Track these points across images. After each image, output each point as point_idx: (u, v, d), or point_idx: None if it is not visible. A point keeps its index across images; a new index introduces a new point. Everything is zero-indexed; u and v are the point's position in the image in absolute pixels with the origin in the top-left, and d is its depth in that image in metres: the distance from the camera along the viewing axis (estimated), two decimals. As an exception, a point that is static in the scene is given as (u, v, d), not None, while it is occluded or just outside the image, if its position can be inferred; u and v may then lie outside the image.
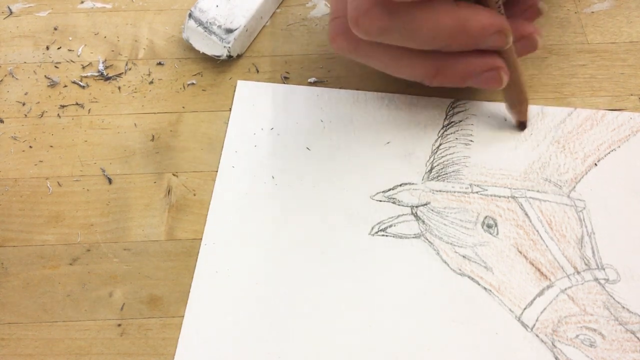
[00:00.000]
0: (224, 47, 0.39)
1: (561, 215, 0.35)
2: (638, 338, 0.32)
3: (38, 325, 0.33)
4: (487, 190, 0.36)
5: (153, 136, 0.38)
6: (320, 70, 0.40)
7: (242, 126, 0.38)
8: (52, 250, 0.35)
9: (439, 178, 0.36)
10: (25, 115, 0.39)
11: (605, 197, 0.35)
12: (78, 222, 0.36)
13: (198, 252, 0.35)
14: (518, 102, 0.36)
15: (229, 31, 0.40)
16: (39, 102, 0.40)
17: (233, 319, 0.33)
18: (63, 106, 0.40)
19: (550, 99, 0.38)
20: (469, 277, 0.33)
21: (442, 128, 0.38)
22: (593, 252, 0.34)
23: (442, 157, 0.37)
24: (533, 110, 0.38)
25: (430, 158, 0.37)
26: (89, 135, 0.39)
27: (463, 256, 0.34)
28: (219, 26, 0.40)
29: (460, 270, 0.34)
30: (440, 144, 0.37)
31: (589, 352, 0.31)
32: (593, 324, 0.32)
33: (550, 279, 0.33)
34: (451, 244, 0.34)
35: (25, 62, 0.41)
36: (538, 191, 0.36)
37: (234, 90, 0.40)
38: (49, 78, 0.41)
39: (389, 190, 0.36)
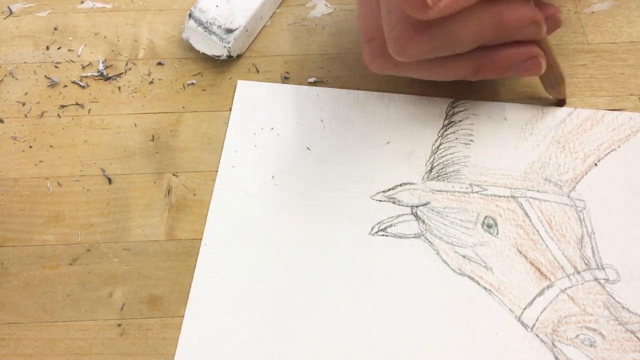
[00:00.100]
0: (224, 47, 0.39)
1: (561, 215, 0.35)
2: (638, 338, 0.32)
3: (38, 325, 0.33)
4: (487, 190, 0.36)
5: (153, 136, 0.38)
6: (320, 70, 0.40)
7: (242, 126, 0.38)
8: (52, 250, 0.35)
9: (439, 178, 0.36)
10: (25, 115, 0.39)
11: (605, 197, 0.35)
12: (78, 222, 0.36)
13: (198, 252, 0.35)
14: (557, 83, 0.37)
15: (229, 31, 0.40)
16: (39, 102, 0.40)
17: (233, 319, 0.33)
18: (63, 106, 0.40)
19: (551, 99, 0.38)
20: (469, 277, 0.33)
21: (442, 128, 0.38)
22: (593, 252, 0.34)
23: (442, 157, 0.37)
24: (533, 110, 0.38)
25: (430, 158, 0.37)
26: (89, 135, 0.39)
27: (463, 256, 0.34)
28: (219, 26, 0.40)
29: (460, 270, 0.34)
30: (440, 144, 0.37)
31: (589, 352, 0.31)
32: (593, 324, 0.32)
33: (550, 279, 0.33)
34: (451, 243, 0.34)
35: (25, 62, 0.41)
36: (538, 191, 0.36)
37: (234, 90, 0.40)
38: (49, 78, 0.41)
39: (389, 190, 0.36)
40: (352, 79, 0.40)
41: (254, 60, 0.41)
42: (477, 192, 0.36)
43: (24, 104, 0.40)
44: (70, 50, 0.42)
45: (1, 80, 0.41)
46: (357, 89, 0.39)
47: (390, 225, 0.35)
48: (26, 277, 0.34)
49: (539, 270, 0.33)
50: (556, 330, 0.32)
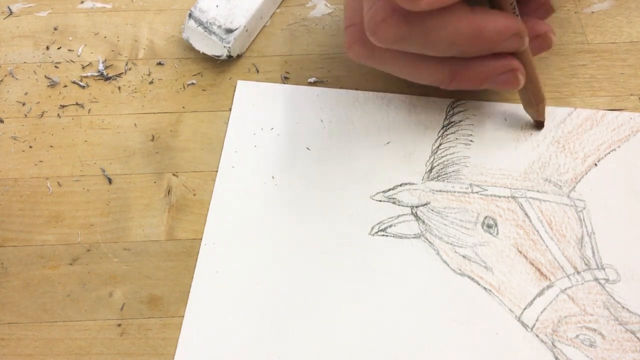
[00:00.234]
0: (224, 47, 0.39)
1: (561, 215, 0.35)
2: (638, 338, 0.32)
3: (38, 325, 0.33)
4: (487, 190, 0.36)
5: (153, 136, 0.38)
6: (320, 70, 0.40)
7: (242, 126, 0.38)
8: (52, 250, 0.35)
9: (439, 178, 0.36)
10: (25, 115, 0.39)
11: (605, 197, 0.35)
12: (78, 222, 0.36)
13: (198, 252, 0.35)
14: (535, 102, 0.36)
15: (229, 31, 0.40)
16: (39, 102, 0.40)
17: (233, 319, 0.33)
18: (63, 106, 0.40)
19: (550, 99, 0.38)
20: (469, 277, 0.33)
21: (442, 128, 0.38)
22: (593, 252, 0.34)
23: (442, 157, 0.37)
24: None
25: (430, 158, 0.37)
26: (89, 135, 0.39)
27: (463, 256, 0.34)
28: (219, 26, 0.40)
29: (460, 270, 0.34)
30: (440, 144, 0.37)
31: (589, 352, 0.31)
32: (593, 324, 0.32)
33: (550, 279, 0.33)
34: (451, 244, 0.34)
35: (25, 62, 0.41)
36: (538, 191, 0.36)
37: (234, 90, 0.40)
38: (49, 78, 0.41)
39: (389, 190, 0.36)
40: (352, 79, 0.40)
41: (254, 60, 0.41)
42: (477, 192, 0.36)
43: (24, 104, 0.40)
44: (70, 50, 0.42)
45: (1, 80, 0.41)
46: (357, 89, 0.39)
47: (390, 226, 0.35)
48: (26, 277, 0.34)
49: (539, 270, 0.33)
50: (556, 331, 0.32)
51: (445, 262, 0.34)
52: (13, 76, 0.41)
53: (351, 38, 0.34)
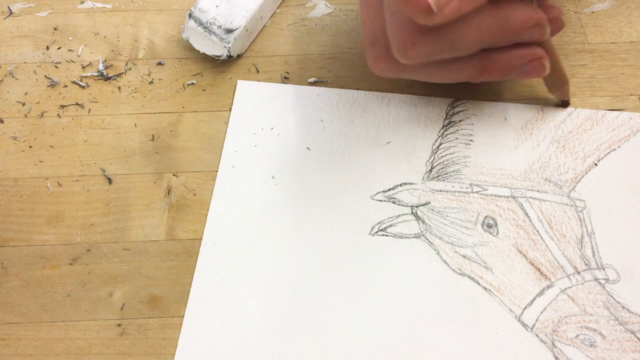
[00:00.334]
0: (224, 47, 0.39)
1: (561, 215, 0.35)
2: (638, 338, 0.32)
3: (38, 325, 0.33)
4: (487, 190, 0.36)
5: (153, 136, 0.38)
6: (320, 70, 0.40)
7: (242, 126, 0.38)
8: (52, 250, 0.35)
9: (439, 178, 0.36)
10: (25, 115, 0.39)
11: (605, 197, 0.35)
12: (78, 222, 0.36)
13: (198, 252, 0.35)
14: (560, 84, 0.37)
15: (229, 31, 0.40)
16: (39, 102, 0.40)
17: (233, 319, 0.33)
18: (63, 106, 0.40)
19: (551, 99, 0.38)
20: (469, 277, 0.33)
21: (442, 128, 0.38)
22: (593, 252, 0.34)
23: (442, 156, 0.37)
24: (533, 110, 0.38)
25: (430, 158, 0.37)
26: (89, 135, 0.39)
27: (463, 256, 0.34)
28: (219, 26, 0.40)
29: (460, 270, 0.34)
30: (440, 144, 0.37)
31: (589, 352, 0.31)
32: (593, 324, 0.32)
33: (550, 279, 0.33)
34: (451, 243, 0.34)
35: (25, 62, 0.41)
36: (538, 191, 0.36)
37: (234, 90, 0.40)
38: (49, 78, 0.41)
39: (389, 190, 0.36)
40: (352, 79, 0.40)
41: (254, 60, 0.41)
42: (477, 192, 0.36)
43: (24, 104, 0.40)
44: (70, 50, 0.42)
45: (1, 80, 0.41)
46: (357, 89, 0.39)
47: (390, 225, 0.35)
48: (26, 277, 0.34)
49: (539, 270, 0.33)
50: (556, 330, 0.32)
51: (445, 262, 0.34)
52: (13, 76, 0.41)
53: (376, 55, 0.34)
